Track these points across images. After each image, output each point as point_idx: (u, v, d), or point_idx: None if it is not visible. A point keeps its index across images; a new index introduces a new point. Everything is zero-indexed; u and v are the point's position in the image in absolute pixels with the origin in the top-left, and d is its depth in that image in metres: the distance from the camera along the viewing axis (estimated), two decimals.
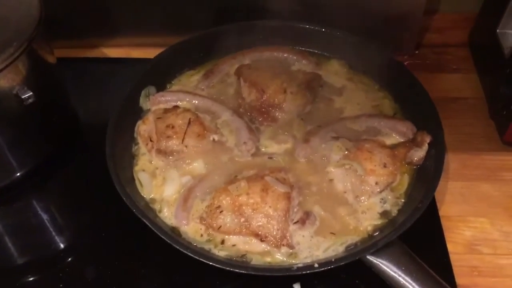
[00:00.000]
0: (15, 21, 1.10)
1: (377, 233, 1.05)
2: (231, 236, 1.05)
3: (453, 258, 1.10)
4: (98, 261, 1.13)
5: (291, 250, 1.03)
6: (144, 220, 1.02)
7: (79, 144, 1.38)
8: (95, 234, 1.17)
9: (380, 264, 0.97)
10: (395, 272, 0.96)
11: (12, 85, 1.07)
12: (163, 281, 1.09)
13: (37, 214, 1.22)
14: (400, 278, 0.95)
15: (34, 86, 1.09)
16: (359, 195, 1.10)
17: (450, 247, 1.12)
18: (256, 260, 1.03)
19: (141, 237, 1.10)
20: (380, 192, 1.11)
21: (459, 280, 1.07)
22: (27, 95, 1.07)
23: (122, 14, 1.49)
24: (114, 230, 1.17)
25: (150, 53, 1.34)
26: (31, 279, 1.12)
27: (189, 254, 0.98)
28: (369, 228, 1.06)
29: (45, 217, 1.22)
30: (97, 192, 1.23)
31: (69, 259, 1.14)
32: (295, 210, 1.06)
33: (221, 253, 1.03)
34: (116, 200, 1.04)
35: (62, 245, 1.17)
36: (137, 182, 1.15)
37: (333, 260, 0.97)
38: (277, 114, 1.24)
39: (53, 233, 1.19)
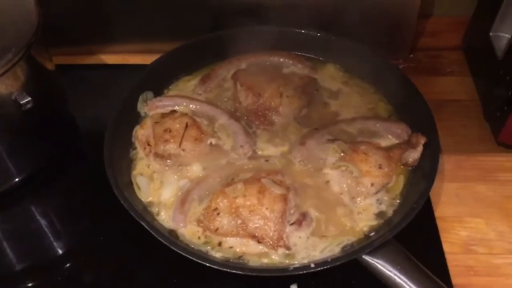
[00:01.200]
0: (13, 27, 1.11)
1: (373, 234, 1.05)
2: (228, 238, 1.06)
3: (449, 258, 1.11)
4: (97, 265, 1.14)
5: (288, 251, 1.03)
6: (142, 223, 1.02)
7: (77, 150, 1.38)
8: (93, 239, 1.18)
9: (376, 264, 0.97)
10: (390, 272, 0.96)
11: (11, 91, 1.08)
12: (162, 284, 1.10)
13: (35, 219, 1.23)
14: (396, 277, 0.96)
15: (32, 92, 1.10)
16: (355, 196, 1.11)
17: (446, 247, 1.13)
18: (253, 262, 1.03)
19: (139, 241, 1.10)
20: (376, 193, 1.11)
21: (455, 280, 1.07)
22: (25, 100, 1.08)
23: (119, 21, 1.50)
24: (112, 234, 1.18)
25: (147, 59, 1.35)
26: (29, 284, 1.12)
27: (187, 255, 0.98)
28: (365, 228, 1.07)
29: (43, 222, 1.22)
30: (95, 197, 1.24)
31: (68, 264, 1.14)
32: (292, 211, 1.07)
33: (218, 255, 1.04)
34: (114, 204, 1.05)
35: (60, 250, 1.17)
36: (135, 186, 1.15)
37: (329, 260, 0.98)
38: (273, 117, 1.25)
39: (51, 238, 1.19)
